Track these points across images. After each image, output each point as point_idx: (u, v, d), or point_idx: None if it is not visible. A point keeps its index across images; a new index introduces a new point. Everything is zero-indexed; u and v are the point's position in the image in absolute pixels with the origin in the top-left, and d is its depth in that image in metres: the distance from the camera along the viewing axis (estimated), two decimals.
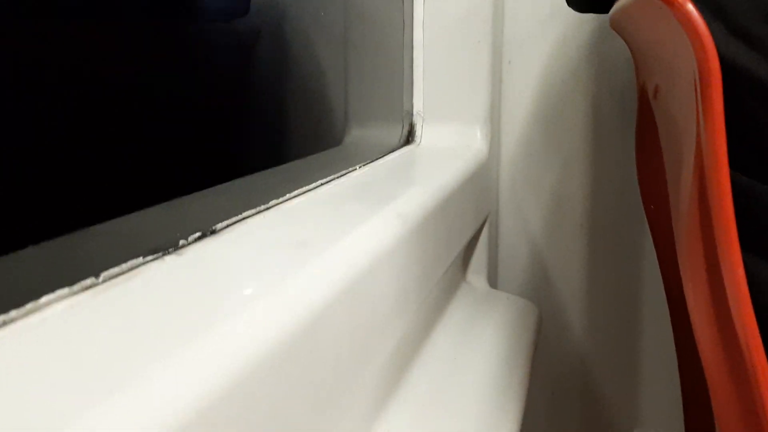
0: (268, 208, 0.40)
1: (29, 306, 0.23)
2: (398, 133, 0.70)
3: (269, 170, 0.53)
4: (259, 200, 0.40)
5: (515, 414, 0.51)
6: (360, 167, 0.56)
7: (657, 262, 0.67)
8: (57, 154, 0.29)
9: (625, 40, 0.62)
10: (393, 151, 0.66)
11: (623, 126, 0.75)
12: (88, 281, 0.26)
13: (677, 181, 0.48)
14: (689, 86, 0.36)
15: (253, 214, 0.38)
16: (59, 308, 0.24)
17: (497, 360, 0.57)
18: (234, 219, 0.36)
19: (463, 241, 0.63)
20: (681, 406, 0.67)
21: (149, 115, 0.39)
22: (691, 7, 0.31)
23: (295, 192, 0.44)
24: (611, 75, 0.75)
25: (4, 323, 0.22)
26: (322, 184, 0.48)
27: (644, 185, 0.68)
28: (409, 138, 0.70)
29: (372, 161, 0.59)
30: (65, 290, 0.25)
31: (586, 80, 0.75)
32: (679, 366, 0.67)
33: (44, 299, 0.24)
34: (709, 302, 0.41)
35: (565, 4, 0.60)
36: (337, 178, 0.51)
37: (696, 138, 0.37)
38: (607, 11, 0.54)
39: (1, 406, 0.18)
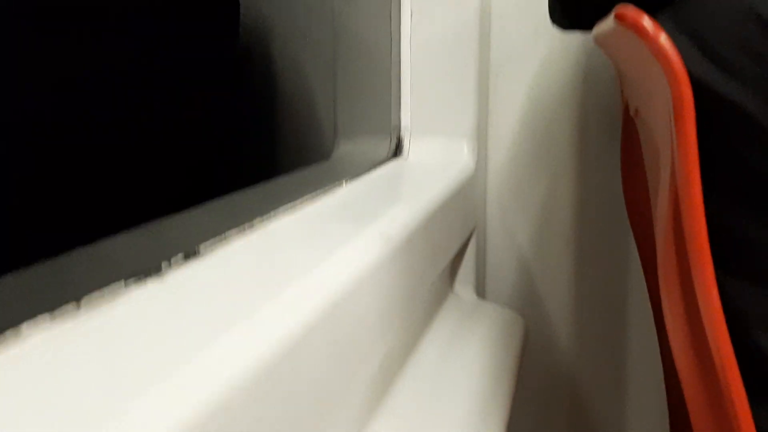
0: (252, 228, 0.40)
1: (7, 333, 0.24)
2: (386, 147, 0.70)
3: (256, 186, 0.54)
4: (243, 218, 0.41)
5: (498, 428, 0.51)
6: (346, 183, 0.56)
7: (642, 274, 0.67)
8: (36, 174, 0.29)
9: (609, 58, 0.63)
10: (380, 164, 0.66)
11: (609, 140, 0.76)
12: (69, 307, 0.26)
13: (657, 196, 0.49)
14: (664, 114, 0.36)
15: (237, 235, 0.39)
16: (39, 337, 0.24)
17: (482, 374, 0.58)
18: (217, 239, 0.37)
19: (449, 255, 0.64)
20: (667, 418, 0.68)
21: (131, 133, 0.39)
22: (664, 39, 0.32)
23: (280, 210, 0.45)
24: (597, 90, 0.76)
25: None
26: (306, 201, 0.48)
27: (630, 198, 0.69)
28: (396, 152, 0.70)
29: (359, 176, 0.59)
30: (45, 316, 0.25)
31: (572, 95, 0.76)
32: (665, 378, 0.68)
33: (24, 326, 0.24)
34: (684, 319, 0.42)
35: (550, 22, 0.61)
36: (323, 195, 0.51)
37: (670, 165, 0.38)
38: (590, 29, 0.54)
39: None
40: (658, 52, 0.32)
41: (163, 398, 0.22)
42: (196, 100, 0.47)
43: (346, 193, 0.53)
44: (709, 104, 0.37)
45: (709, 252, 0.37)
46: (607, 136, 0.76)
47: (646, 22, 0.34)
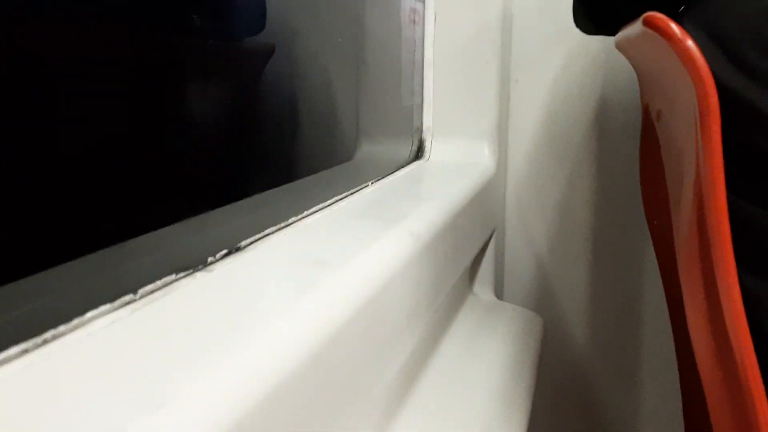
0: (287, 225, 0.42)
1: (75, 321, 0.25)
2: (408, 148, 0.71)
3: (286, 185, 0.55)
4: (279, 217, 0.42)
5: (520, 424, 0.52)
6: (372, 183, 0.57)
7: (659, 275, 0.68)
8: (89, 169, 0.31)
9: (630, 62, 0.63)
10: (403, 166, 0.68)
11: (628, 143, 0.77)
12: (127, 297, 0.28)
13: (678, 199, 0.50)
14: (689, 117, 0.37)
15: (275, 231, 0.40)
16: (102, 323, 0.26)
17: (502, 371, 0.59)
18: (257, 236, 0.38)
19: (471, 255, 0.65)
20: (682, 417, 0.69)
21: (171, 133, 0.41)
22: (691, 43, 0.33)
23: (312, 209, 0.46)
24: (616, 93, 0.77)
25: (54, 337, 0.24)
26: (336, 201, 0.50)
27: (648, 200, 0.70)
28: (418, 153, 0.72)
29: (383, 177, 0.61)
30: (107, 306, 0.27)
31: (591, 98, 0.77)
32: (681, 378, 0.69)
33: (89, 314, 0.26)
34: (707, 323, 0.43)
35: (572, 24, 0.62)
36: (351, 194, 0.53)
37: (695, 167, 0.38)
38: (613, 34, 0.56)
39: (53, 414, 0.20)
40: (685, 55, 0.34)
41: (220, 380, 0.23)
42: (240, 107, 0.49)
43: (372, 192, 0.54)
44: (732, 107, 0.38)
45: (732, 251, 0.38)
46: (626, 138, 0.77)
47: (674, 27, 0.35)
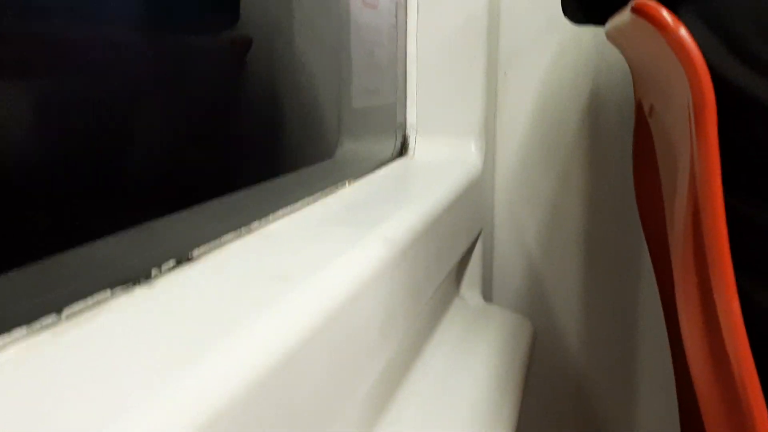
0: (249, 232, 0.39)
1: None
2: (391, 145, 0.68)
3: (256, 186, 0.52)
4: (240, 222, 0.39)
5: None
6: (350, 183, 0.54)
7: (653, 275, 0.66)
8: (17, 172, 0.28)
9: (623, 54, 0.61)
10: (385, 164, 0.65)
11: (621, 139, 0.74)
12: (49, 319, 0.25)
13: (673, 197, 0.47)
14: (683, 111, 0.35)
15: (234, 239, 0.37)
16: (13, 352, 0.23)
17: (489, 381, 0.56)
18: (212, 244, 0.35)
19: (455, 258, 0.62)
20: (678, 422, 0.66)
21: (127, 128, 0.38)
22: (684, 32, 0.30)
23: (280, 212, 0.43)
24: (609, 87, 0.74)
25: None
26: (308, 204, 0.47)
27: (641, 198, 0.67)
28: (402, 150, 0.69)
29: (363, 176, 0.58)
30: (22, 330, 0.24)
31: (583, 92, 0.74)
32: (677, 381, 0.66)
33: None
34: (701, 322, 0.40)
35: (562, 15, 0.59)
36: (325, 196, 0.49)
37: (690, 164, 0.36)
38: (603, 23, 0.53)
39: None
40: (677, 45, 0.31)
41: (150, 416, 0.20)
42: (191, 98, 0.45)
43: (349, 193, 0.51)
44: (730, 99, 0.35)
45: (729, 252, 0.35)
46: (618, 134, 0.74)
47: (665, 14, 0.32)
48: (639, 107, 0.60)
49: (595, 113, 0.74)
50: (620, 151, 0.74)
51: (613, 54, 0.72)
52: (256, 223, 0.40)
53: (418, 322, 0.56)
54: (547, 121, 0.75)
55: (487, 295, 0.78)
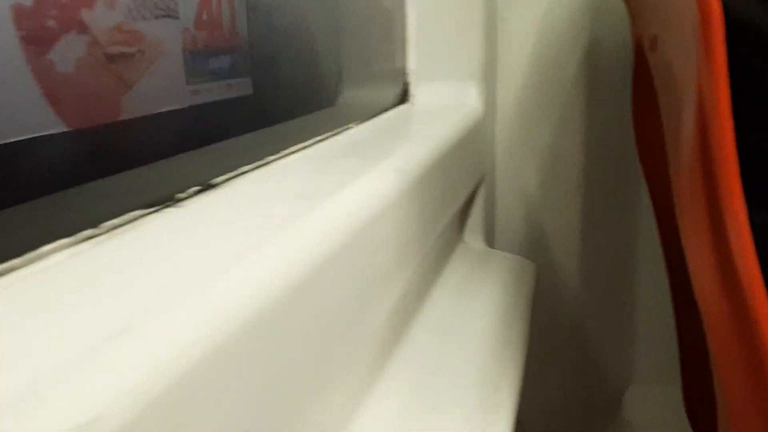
0: (265, 164, 0.39)
1: (30, 255, 0.23)
2: (392, 92, 0.69)
3: (262, 130, 0.53)
4: (255, 156, 0.40)
5: (516, 368, 0.51)
6: (355, 125, 0.55)
7: (654, 217, 0.67)
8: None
9: None
10: (387, 110, 0.65)
11: (620, 82, 0.75)
12: (88, 232, 0.26)
13: (676, 134, 0.48)
14: (690, 33, 0.35)
15: (251, 170, 0.38)
16: (60, 257, 0.24)
17: (496, 316, 0.57)
18: (231, 174, 0.36)
19: (460, 199, 0.63)
20: (677, 362, 0.68)
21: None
22: None
23: (291, 149, 0.44)
24: (608, 30, 0.74)
25: (5, 272, 0.22)
26: (317, 141, 0.47)
27: (641, 140, 0.68)
28: (403, 97, 0.69)
29: (366, 120, 0.58)
30: (65, 240, 0.24)
31: (581, 36, 0.74)
32: (676, 320, 0.68)
33: (45, 248, 0.24)
34: (711, 255, 0.41)
35: None
36: (333, 135, 0.50)
37: (697, 86, 0.36)
38: None
39: (5, 348, 0.17)
40: None
41: (190, 313, 0.21)
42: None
43: (355, 134, 0.52)
44: (737, 30, 0.36)
45: (740, 181, 0.36)
46: (616, 76, 0.75)
47: None
48: (638, 45, 0.60)
49: (594, 55, 0.75)
50: (619, 93, 0.75)
51: None
52: (270, 157, 0.41)
53: (426, 262, 0.58)
54: (546, 66, 0.76)
55: (490, 241, 0.79)
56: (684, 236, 0.46)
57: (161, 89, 0.40)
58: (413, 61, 0.68)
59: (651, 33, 0.51)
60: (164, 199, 0.30)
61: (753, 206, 0.40)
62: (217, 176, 0.35)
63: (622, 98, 0.75)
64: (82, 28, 0.33)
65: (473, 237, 0.76)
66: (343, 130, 0.53)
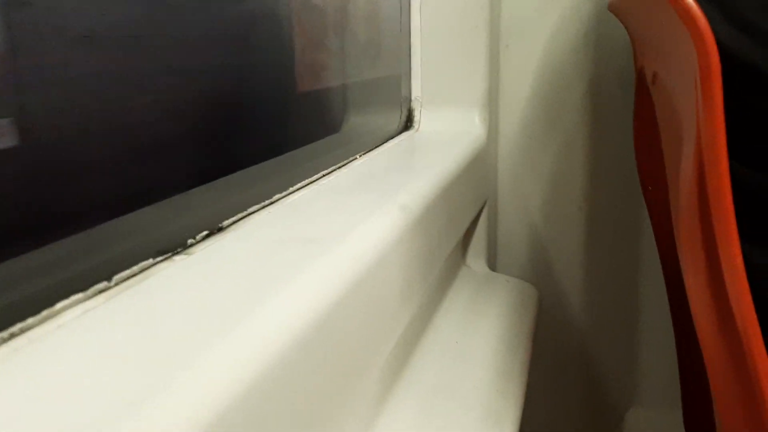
0: (272, 203, 0.40)
1: (45, 313, 0.24)
2: (396, 119, 0.70)
3: (270, 161, 0.53)
4: (262, 194, 0.40)
5: (518, 395, 0.52)
6: (360, 156, 0.56)
7: (655, 243, 0.67)
8: (57, 150, 0.29)
9: (624, 24, 0.62)
10: (392, 137, 0.66)
11: (622, 108, 0.76)
12: (101, 285, 0.26)
13: (676, 163, 0.48)
14: (689, 79, 0.36)
15: (258, 209, 0.38)
16: (74, 314, 0.24)
17: (498, 344, 0.58)
18: (239, 215, 0.37)
19: (464, 226, 0.64)
20: (678, 384, 0.68)
21: (145, 110, 0.39)
22: (691, 2, 0.31)
23: (298, 185, 0.45)
24: (610, 57, 0.75)
25: (22, 331, 0.23)
26: (323, 176, 0.48)
27: (642, 167, 0.68)
28: (407, 124, 0.70)
29: (371, 149, 0.59)
30: (79, 295, 0.25)
31: (584, 63, 0.75)
32: (677, 346, 0.68)
33: (59, 305, 0.24)
34: (708, 290, 0.42)
35: None
36: (338, 168, 0.51)
37: (696, 130, 0.37)
38: None
39: (20, 412, 0.18)
40: (685, 14, 0.32)
41: (206, 369, 0.22)
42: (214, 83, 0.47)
43: (361, 165, 0.53)
44: (732, 70, 0.36)
45: (735, 220, 0.37)
46: (619, 104, 0.76)
47: None
48: (640, 76, 0.61)
49: (596, 82, 0.76)
50: (621, 120, 0.76)
51: (614, 24, 0.73)
52: (277, 195, 0.41)
53: (430, 289, 0.58)
54: (549, 92, 0.76)
55: (492, 264, 0.80)
56: (683, 270, 0.47)
57: None
58: (417, 88, 0.69)
59: (652, 69, 0.52)
60: (175, 245, 0.31)
61: (751, 245, 0.41)
62: (226, 219, 0.36)
63: (623, 124, 0.76)
64: None
65: (476, 260, 0.76)
66: (349, 162, 0.53)
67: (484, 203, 0.73)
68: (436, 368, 0.52)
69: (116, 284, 0.27)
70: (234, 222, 0.36)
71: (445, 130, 0.69)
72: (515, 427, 0.47)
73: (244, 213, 0.37)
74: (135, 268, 0.28)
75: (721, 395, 0.43)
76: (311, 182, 0.46)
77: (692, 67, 0.34)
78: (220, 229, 0.34)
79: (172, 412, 0.19)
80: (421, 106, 0.70)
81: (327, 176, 0.48)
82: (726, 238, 0.37)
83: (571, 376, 0.84)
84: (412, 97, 0.69)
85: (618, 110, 0.76)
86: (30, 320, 0.23)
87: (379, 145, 0.61)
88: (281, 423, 0.25)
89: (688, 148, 0.41)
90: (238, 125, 0.56)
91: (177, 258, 0.30)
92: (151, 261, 0.29)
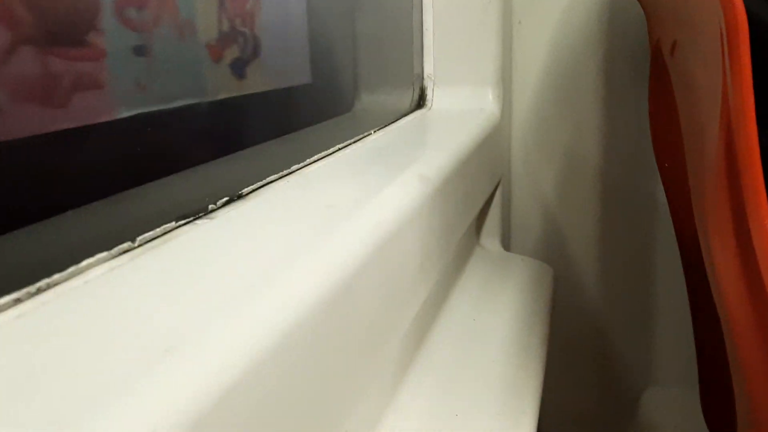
0: (290, 173, 0.40)
1: (71, 269, 0.23)
2: (409, 97, 0.69)
3: (284, 137, 0.53)
4: (280, 165, 0.40)
5: (537, 372, 0.51)
6: (375, 131, 0.55)
7: (671, 220, 0.67)
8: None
9: None
10: (404, 116, 0.65)
11: (636, 85, 0.75)
12: (125, 245, 0.26)
13: (696, 139, 0.48)
14: (714, 41, 0.35)
15: (277, 179, 0.38)
16: (99, 271, 0.24)
17: (516, 321, 0.58)
18: (259, 184, 0.36)
19: (480, 203, 0.63)
20: (695, 362, 0.68)
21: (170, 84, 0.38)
22: None
23: (315, 157, 0.44)
24: (624, 32, 0.74)
25: (48, 286, 0.22)
26: (339, 149, 0.48)
27: (658, 144, 0.68)
28: (420, 102, 0.69)
29: (385, 126, 0.58)
30: (104, 254, 0.25)
31: (598, 39, 0.74)
32: (693, 323, 0.68)
33: (85, 262, 0.24)
34: (736, 260, 0.41)
35: None
36: (354, 142, 0.50)
37: (722, 95, 0.36)
38: None
39: (46, 366, 0.18)
40: None
41: (229, 329, 0.21)
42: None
43: (375, 140, 0.52)
44: (757, 34, 0.36)
45: (765, 189, 0.36)
46: (633, 79, 0.75)
47: None
48: (656, 49, 0.60)
49: (610, 58, 0.75)
50: (636, 96, 0.75)
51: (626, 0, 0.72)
52: (295, 166, 0.41)
53: (448, 265, 0.58)
54: (562, 68, 0.76)
55: (506, 244, 0.79)
56: (705, 242, 0.46)
57: None
58: (430, 66, 0.68)
59: (671, 38, 0.51)
60: (197, 210, 0.31)
61: None
62: (245, 186, 0.35)
63: (638, 100, 0.75)
64: None
65: (490, 240, 0.76)
66: (364, 137, 0.53)
67: (498, 182, 0.73)
68: (455, 344, 0.52)
69: (140, 245, 0.27)
70: (253, 190, 0.35)
71: (459, 107, 0.68)
72: (536, 400, 0.47)
73: (263, 182, 0.37)
74: (158, 230, 0.28)
75: (751, 368, 0.43)
76: (328, 155, 0.45)
77: (717, 27, 0.34)
78: (240, 196, 0.34)
79: (200, 361, 0.19)
80: (433, 84, 0.69)
81: (342, 150, 0.48)
82: (756, 206, 0.37)
83: (586, 355, 0.84)
84: (425, 75, 0.69)
85: (633, 86, 0.75)
86: (56, 276, 0.23)
87: (392, 122, 0.61)
88: (310, 383, 0.25)
89: (713, 117, 0.41)
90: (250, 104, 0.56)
91: (199, 222, 0.30)
92: (173, 224, 0.29)
